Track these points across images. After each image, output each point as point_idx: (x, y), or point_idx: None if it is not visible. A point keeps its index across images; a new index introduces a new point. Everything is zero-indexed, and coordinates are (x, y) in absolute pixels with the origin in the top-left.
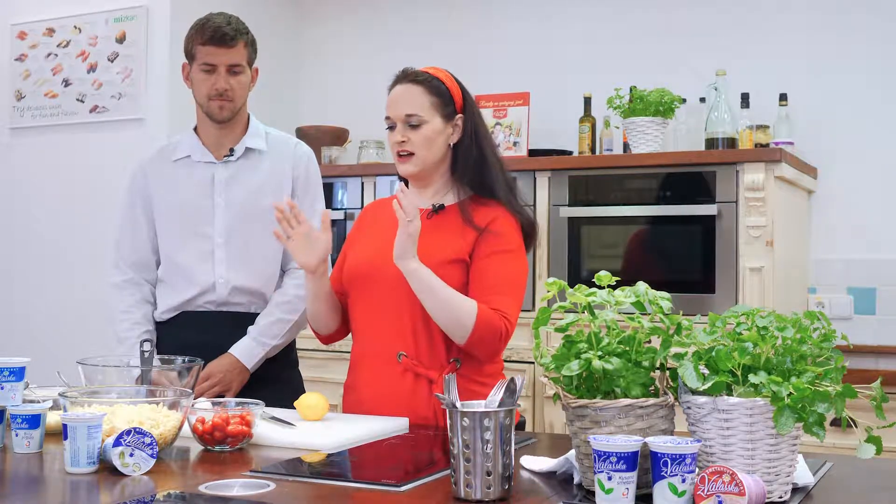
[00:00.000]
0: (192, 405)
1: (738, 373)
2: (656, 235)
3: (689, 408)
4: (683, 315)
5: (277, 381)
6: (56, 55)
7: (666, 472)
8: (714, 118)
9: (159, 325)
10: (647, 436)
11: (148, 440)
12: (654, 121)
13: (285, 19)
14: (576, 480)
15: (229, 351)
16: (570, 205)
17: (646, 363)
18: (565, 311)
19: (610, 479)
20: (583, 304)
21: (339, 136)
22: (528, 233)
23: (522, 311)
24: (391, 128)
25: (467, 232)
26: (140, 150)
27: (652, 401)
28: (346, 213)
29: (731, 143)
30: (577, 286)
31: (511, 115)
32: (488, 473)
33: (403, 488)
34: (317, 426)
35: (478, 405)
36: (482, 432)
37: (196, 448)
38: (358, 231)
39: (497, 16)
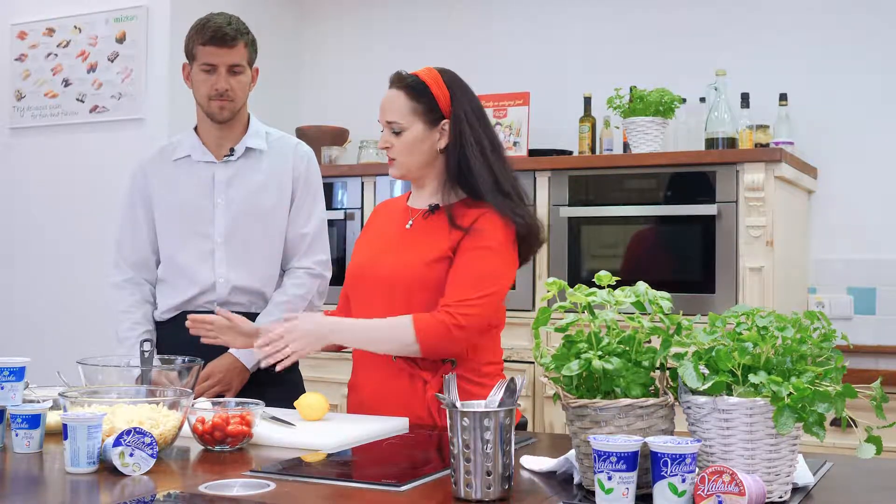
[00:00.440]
0: (192, 405)
1: (738, 373)
2: (656, 235)
3: (689, 408)
4: (683, 315)
5: (277, 381)
6: (56, 55)
7: (666, 472)
8: (714, 118)
9: (159, 325)
10: (647, 436)
11: (148, 440)
12: (654, 121)
13: (285, 19)
14: (576, 480)
15: (229, 351)
16: (570, 205)
17: (646, 363)
18: (565, 311)
19: (610, 479)
20: (583, 304)
21: (339, 136)
22: (525, 236)
23: (522, 311)
24: (384, 130)
25: (454, 233)
26: (140, 150)
27: (652, 401)
28: (346, 213)
29: (731, 143)
30: (577, 286)
31: (511, 115)
32: (488, 473)
33: (403, 488)
34: (317, 426)
35: (478, 405)
36: (482, 432)
37: (196, 448)
38: (363, 232)
39: (497, 16)
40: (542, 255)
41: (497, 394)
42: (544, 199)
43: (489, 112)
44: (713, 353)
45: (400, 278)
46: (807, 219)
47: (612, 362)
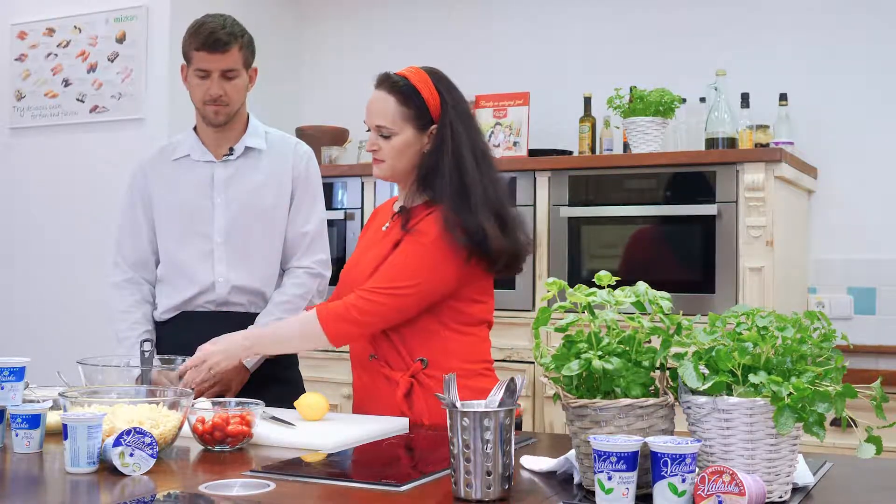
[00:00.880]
0: (192, 405)
1: (738, 373)
2: (656, 235)
3: (689, 408)
4: (683, 315)
5: (277, 380)
6: (56, 55)
7: (666, 472)
8: (714, 118)
9: (159, 325)
10: (647, 436)
11: (148, 440)
12: (654, 121)
13: (285, 19)
14: (576, 480)
15: None
16: (570, 205)
17: (646, 363)
18: (565, 311)
19: (610, 479)
20: (583, 304)
21: (339, 136)
22: (477, 251)
23: (522, 311)
24: (370, 129)
25: (400, 234)
26: (140, 150)
27: (652, 401)
28: (345, 213)
29: (731, 143)
30: (577, 286)
31: (511, 115)
32: (488, 473)
33: (403, 488)
34: (317, 426)
35: (478, 405)
36: (482, 432)
37: (196, 448)
38: (361, 234)
39: (497, 16)
40: (542, 255)
41: (497, 394)
42: (544, 199)
43: (489, 112)
44: (713, 353)
45: (365, 280)
46: (807, 219)
47: (612, 362)
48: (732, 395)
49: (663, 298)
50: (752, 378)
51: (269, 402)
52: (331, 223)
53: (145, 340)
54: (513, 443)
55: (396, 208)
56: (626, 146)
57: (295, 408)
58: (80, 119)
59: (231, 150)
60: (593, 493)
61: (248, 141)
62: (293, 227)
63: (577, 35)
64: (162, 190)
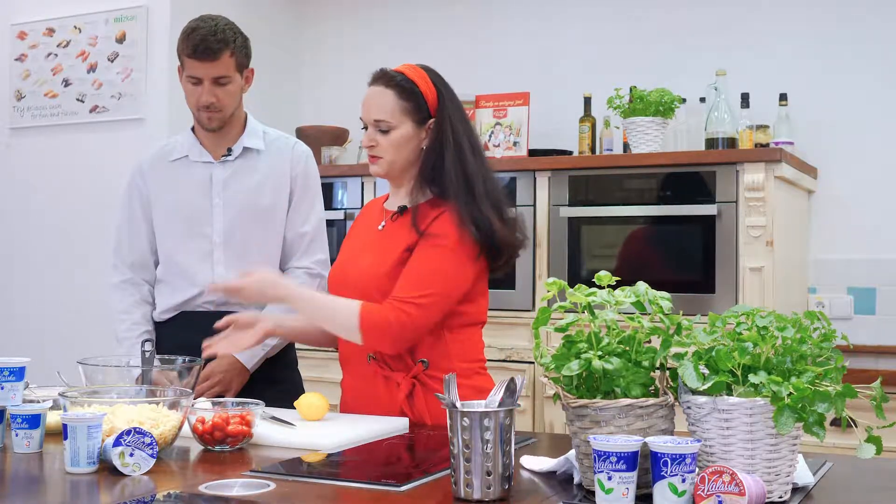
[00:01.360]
0: (192, 405)
1: (738, 373)
2: (656, 235)
3: (689, 408)
4: (683, 315)
5: (277, 381)
6: (56, 55)
7: (666, 472)
8: (714, 118)
9: (158, 326)
10: (647, 436)
11: (148, 440)
12: (654, 121)
13: (285, 19)
14: (576, 480)
15: None
16: (570, 205)
17: (646, 363)
18: (565, 311)
19: (610, 479)
20: (583, 304)
21: (339, 136)
22: (486, 244)
23: (522, 311)
24: (365, 128)
25: (412, 236)
26: (140, 150)
27: (652, 401)
28: (345, 213)
29: (731, 143)
30: (577, 286)
31: (511, 115)
32: (488, 473)
33: (403, 488)
34: (317, 426)
35: (478, 405)
36: (482, 432)
37: (196, 448)
38: (347, 234)
39: (497, 16)
40: (542, 255)
41: (497, 394)
42: (544, 199)
43: (489, 112)
44: (713, 353)
45: (368, 282)
46: (807, 219)
47: (612, 362)
48: (732, 395)
49: (663, 298)
50: (752, 378)
51: (269, 402)
52: (331, 223)
53: (146, 341)
54: (513, 443)
55: (394, 207)
56: (626, 146)
57: (295, 408)
58: (80, 119)
59: (229, 150)
60: (593, 493)
61: (246, 141)
62: (292, 228)
63: (577, 35)
64: (161, 191)
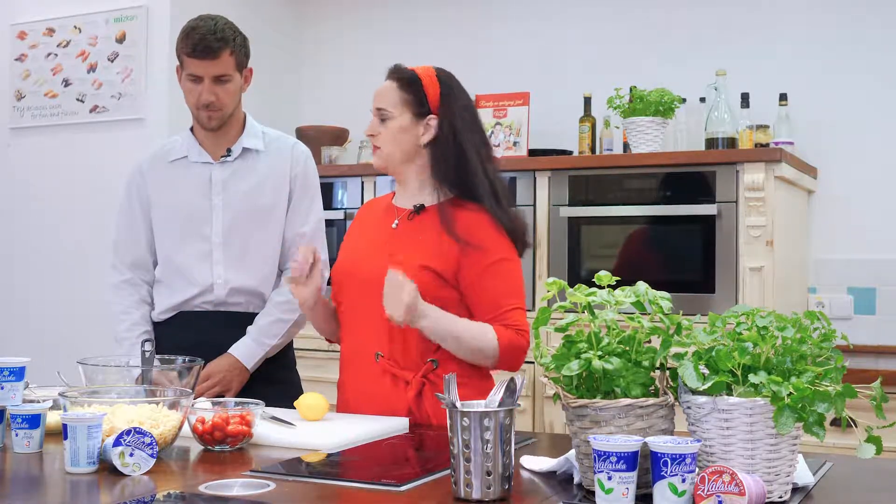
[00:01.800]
0: (192, 405)
1: (738, 373)
2: (656, 235)
3: (689, 408)
4: (683, 315)
5: (276, 381)
6: (56, 55)
7: (666, 472)
8: (714, 118)
9: (156, 326)
10: (647, 436)
11: (148, 440)
12: (654, 121)
13: (285, 19)
14: (576, 480)
15: (229, 351)
16: (570, 205)
17: (646, 363)
18: (565, 311)
19: (610, 479)
20: (583, 304)
21: (339, 136)
22: (516, 238)
23: None
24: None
25: (445, 240)
26: (140, 150)
27: (652, 401)
28: (345, 213)
29: (731, 143)
30: (577, 286)
31: (511, 115)
32: (488, 473)
33: (403, 488)
34: (317, 426)
35: (478, 405)
36: (482, 432)
37: (196, 448)
38: (350, 231)
39: (497, 16)
40: (542, 255)
41: (497, 394)
42: (544, 199)
43: (489, 112)
44: (713, 353)
45: (383, 280)
46: (807, 219)
47: (612, 362)
48: (732, 395)
49: (663, 298)
50: (752, 378)
51: (269, 402)
52: (331, 223)
53: (146, 341)
54: (513, 443)
55: (405, 205)
56: (626, 146)
57: (295, 408)
58: (80, 119)
59: (228, 151)
60: (593, 493)
61: (245, 142)
62: (291, 228)
63: (577, 35)
64: (160, 191)
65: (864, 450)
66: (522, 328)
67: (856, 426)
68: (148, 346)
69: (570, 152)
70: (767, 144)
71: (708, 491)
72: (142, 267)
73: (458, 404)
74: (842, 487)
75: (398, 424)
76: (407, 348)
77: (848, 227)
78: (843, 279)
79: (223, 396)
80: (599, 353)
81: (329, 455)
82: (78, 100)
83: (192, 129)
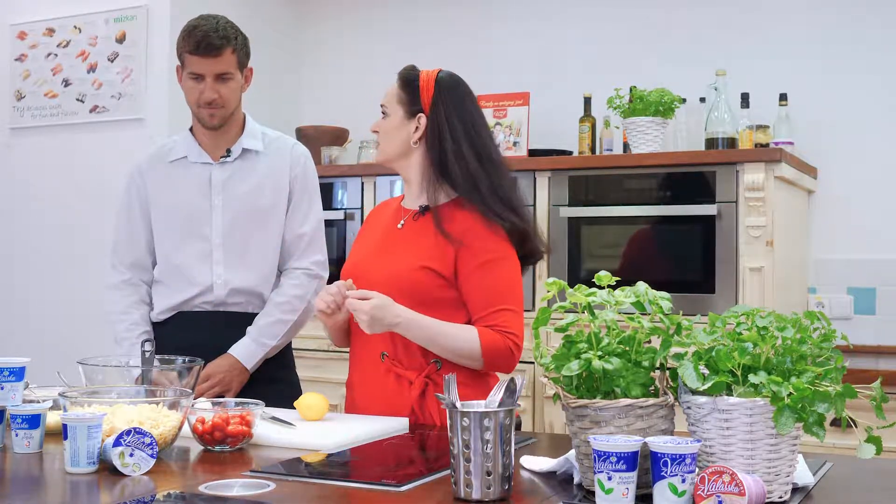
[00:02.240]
0: (192, 405)
1: (738, 373)
2: (656, 235)
3: (689, 408)
4: (683, 315)
5: (276, 381)
6: (56, 55)
7: (666, 472)
8: (714, 118)
9: (156, 326)
10: (647, 436)
11: (148, 440)
12: (654, 121)
13: (285, 19)
14: (576, 480)
15: (229, 352)
16: (570, 205)
17: (646, 363)
18: (565, 311)
19: (610, 479)
20: (583, 304)
21: (339, 136)
22: (520, 239)
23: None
24: None
25: (441, 241)
26: (140, 150)
27: (652, 401)
28: (345, 213)
29: (731, 143)
30: (577, 286)
31: (511, 115)
32: (488, 473)
33: (403, 488)
34: (317, 426)
35: (478, 405)
36: (482, 432)
37: (196, 448)
38: (360, 232)
39: (497, 16)
40: None
41: (497, 394)
42: (544, 199)
43: (489, 112)
44: (713, 353)
45: (388, 280)
46: (807, 219)
47: (612, 362)
48: (732, 395)
49: (663, 298)
50: (752, 378)
51: (269, 402)
52: (331, 223)
53: (146, 341)
54: (513, 443)
55: (412, 206)
56: (626, 146)
57: (295, 408)
58: (80, 119)
59: (228, 151)
60: (593, 493)
61: (245, 142)
62: (291, 228)
63: (577, 35)
64: (160, 192)
65: (864, 450)
66: (508, 330)
67: (856, 426)
68: (148, 347)
69: (570, 152)
70: (767, 144)
71: (708, 491)
72: (141, 267)
73: (458, 404)
74: (842, 487)
75: (398, 424)
76: (411, 349)
77: (848, 227)
78: (843, 279)
79: (223, 397)
80: (599, 353)
81: (329, 455)
82: (78, 100)
83: (191, 130)
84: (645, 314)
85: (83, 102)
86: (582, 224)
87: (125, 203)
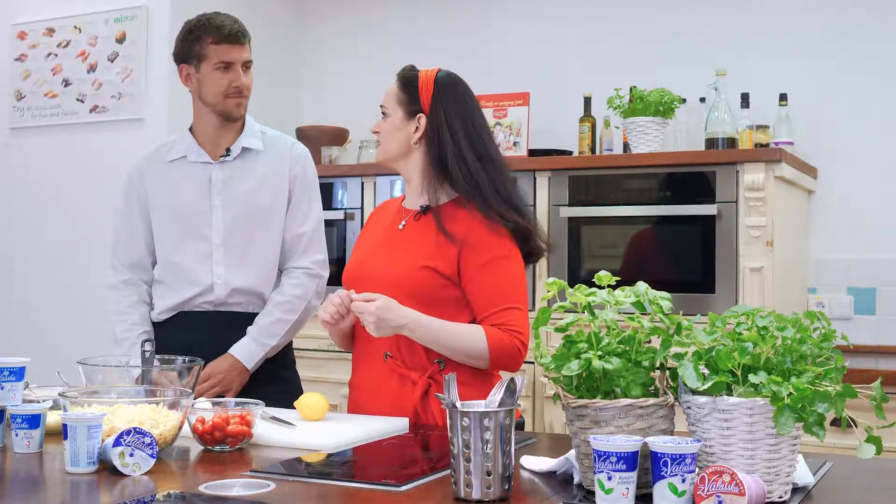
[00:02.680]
0: (192, 405)
1: (738, 373)
2: (656, 235)
3: (689, 408)
4: (683, 315)
5: (276, 380)
6: (56, 55)
7: (666, 472)
8: (714, 118)
9: (156, 326)
10: (647, 436)
11: (148, 440)
12: (654, 121)
13: (285, 19)
14: (576, 480)
15: (229, 352)
16: (570, 205)
17: (646, 363)
18: (565, 311)
19: (610, 479)
20: (583, 304)
21: (339, 136)
22: (522, 238)
23: None
24: None
25: (443, 240)
26: (140, 151)
27: (652, 401)
28: (345, 213)
29: (731, 143)
30: (577, 286)
31: (511, 115)
32: (488, 473)
33: (403, 488)
34: (317, 426)
35: (478, 405)
36: (482, 432)
37: (196, 448)
38: (362, 233)
39: (497, 16)
40: None
41: (497, 394)
42: (544, 199)
43: (489, 112)
44: (713, 353)
45: (390, 280)
46: (807, 219)
47: (612, 362)
48: (732, 395)
49: (663, 298)
50: (752, 378)
51: (269, 402)
52: (331, 223)
53: (146, 341)
54: (513, 443)
55: (413, 206)
56: (626, 146)
57: (295, 408)
58: (80, 119)
59: (228, 151)
60: (593, 493)
61: (244, 141)
62: (291, 228)
63: (577, 35)
64: (159, 192)
65: (864, 450)
66: (515, 329)
67: (856, 426)
68: (148, 346)
69: (570, 152)
70: (767, 144)
71: (708, 491)
72: (141, 267)
73: (458, 404)
74: (842, 487)
75: (398, 424)
76: (414, 349)
77: (848, 227)
78: (843, 279)
79: (223, 396)
80: (599, 353)
81: (329, 455)
82: (78, 100)
83: (190, 129)
84: (645, 314)
85: (83, 102)
86: (582, 224)
87: (124, 203)
